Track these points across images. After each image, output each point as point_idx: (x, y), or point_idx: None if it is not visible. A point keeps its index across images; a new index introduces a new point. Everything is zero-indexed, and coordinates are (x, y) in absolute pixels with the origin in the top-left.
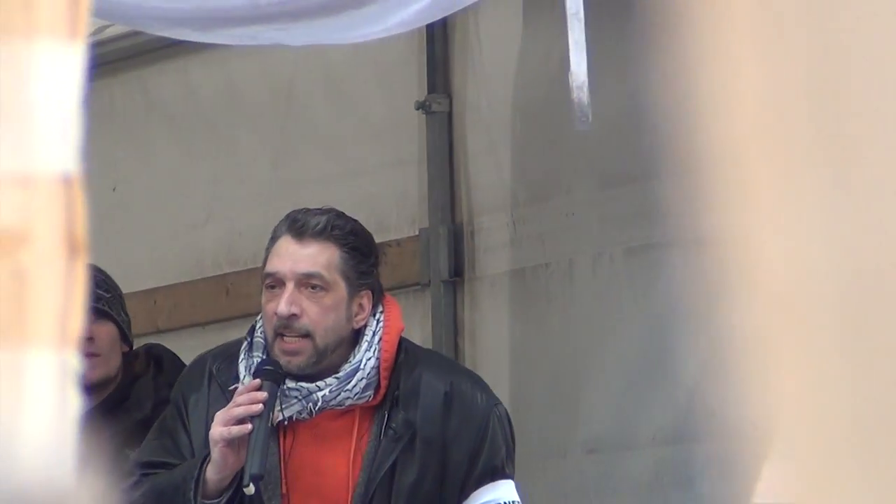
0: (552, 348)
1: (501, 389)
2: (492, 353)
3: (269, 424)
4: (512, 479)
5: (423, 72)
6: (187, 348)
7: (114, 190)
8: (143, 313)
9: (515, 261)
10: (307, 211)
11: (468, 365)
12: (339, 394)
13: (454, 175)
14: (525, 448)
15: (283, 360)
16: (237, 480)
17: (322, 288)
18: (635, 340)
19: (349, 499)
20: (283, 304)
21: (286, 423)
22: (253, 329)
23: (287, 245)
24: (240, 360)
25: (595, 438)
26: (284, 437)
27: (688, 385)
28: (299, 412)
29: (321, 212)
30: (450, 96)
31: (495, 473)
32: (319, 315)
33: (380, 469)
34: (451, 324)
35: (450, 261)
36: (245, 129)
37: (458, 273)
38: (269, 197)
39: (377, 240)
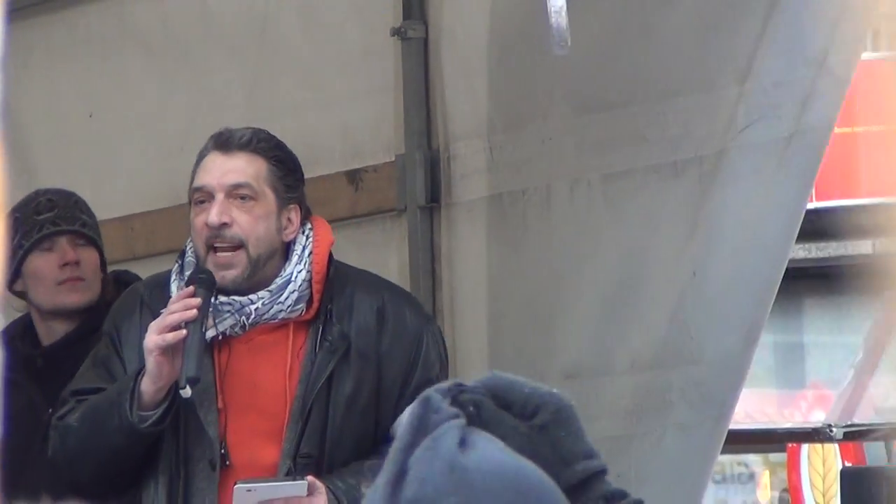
0: (529, 274)
1: (479, 315)
2: (469, 278)
3: (203, 331)
4: None
5: None
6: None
7: (90, 117)
8: (120, 240)
9: (492, 187)
10: (230, 128)
11: (445, 291)
12: (272, 307)
13: (430, 101)
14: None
15: (217, 275)
16: (173, 392)
17: (251, 198)
18: (613, 266)
19: (286, 412)
20: (213, 213)
21: (220, 338)
22: (183, 252)
23: (214, 159)
24: (171, 281)
25: (573, 364)
26: (219, 353)
27: (665, 311)
28: (232, 326)
29: (245, 128)
30: (425, 22)
31: (428, 384)
32: (250, 224)
33: (317, 381)
34: (427, 249)
35: (426, 187)
36: (221, 57)
37: (434, 199)
38: (246, 124)
39: (354, 166)
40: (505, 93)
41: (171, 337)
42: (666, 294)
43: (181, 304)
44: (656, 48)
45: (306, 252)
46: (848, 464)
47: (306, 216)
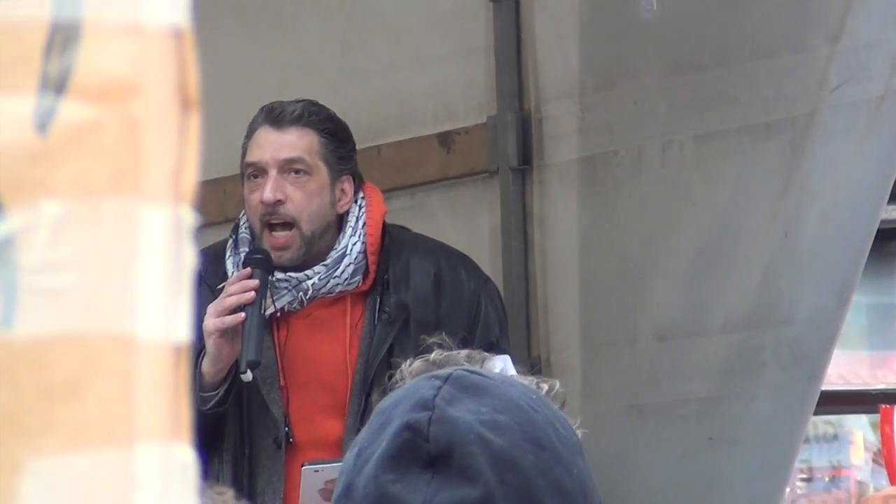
0: (621, 236)
1: (571, 277)
2: (561, 240)
3: (263, 312)
4: (508, 353)
5: None
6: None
7: None
8: (212, 203)
9: (584, 148)
10: (281, 101)
11: (537, 253)
12: (329, 281)
13: (521, 63)
14: (595, 335)
15: (273, 255)
16: (233, 372)
17: (305, 172)
18: (705, 227)
19: (349, 385)
20: (267, 190)
21: (278, 314)
22: (237, 226)
23: (266, 134)
24: (226, 257)
25: (665, 325)
26: (278, 330)
27: (758, 271)
28: (290, 302)
29: (296, 101)
30: None
31: (491, 349)
32: (304, 200)
33: (378, 353)
34: (519, 211)
35: (518, 148)
36: (312, 17)
37: (526, 161)
38: (337, 86)
39: (446, 128)
40: (596, 54)
41: (229, 320)
42: (758, 254)
43: (239, 286)
44: (747, 8)
45: (360, 223)
46: None
47: (359, 185)
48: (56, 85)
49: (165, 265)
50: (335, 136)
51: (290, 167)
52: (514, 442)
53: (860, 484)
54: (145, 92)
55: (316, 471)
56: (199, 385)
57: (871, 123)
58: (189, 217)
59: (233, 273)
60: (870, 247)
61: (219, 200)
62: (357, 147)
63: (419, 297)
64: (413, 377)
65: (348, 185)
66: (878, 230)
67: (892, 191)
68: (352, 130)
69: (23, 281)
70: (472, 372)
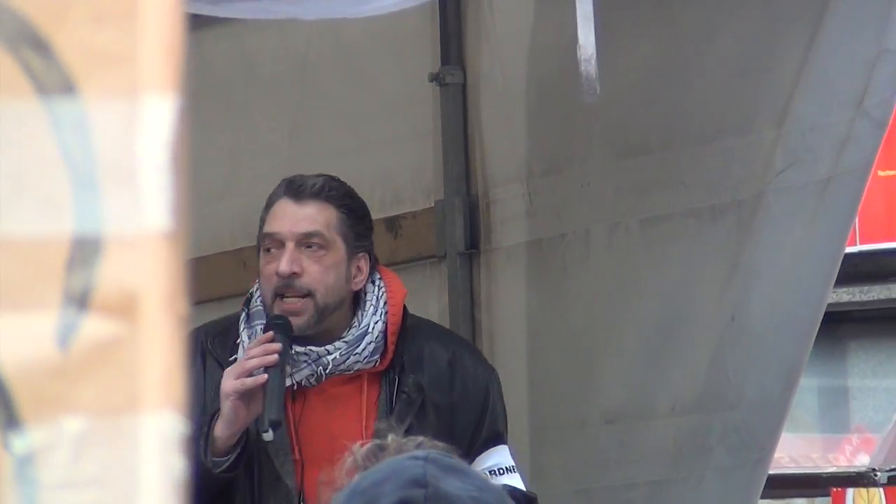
0: (569, 319)
1: (518, 360)
2: (509, 324)
3: (284, 376)
4: (508, 445)
5: (436, 44)
6: (205, 322)
7: None
8: None
9: (531, 232)
10: (302, 175)
11: (485, 337)
12: (349, 357)
13: (469, 146)
14: (543, 418)
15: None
16: (245, 438)
17: (322, 247)
18: (652, 310)
19: None
20: (284, 262)
21: (295, 388)
22: (249, 299)
23: (285, 206)
24: (241, 330)
25: (613, 409)
26: (294, 403)
27: (705, 354)
28: (308, 377)
29: (317, 175)
30: (463, 68)
31: (496, 439)
32: (320, 273)
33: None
34: (467, 295)
35: (466, 232)
36: (261, 102)
37: (474, 245)
38: (286, 170)
39: (393, 212)
40: (543, 137)
41: (249, 382)
42: (705, 338)
43: (261, 350)
44: (694, 92)
45: (381, 302)
46: None
47: (374, 265)
48: (78, 300)
49: (158, 473)
50: (354, 212)
51: (307, 241)
52: None
53: None
54: (145, 302)
55: None
56: (210, 449)
57: (817, 207)
58: (177, 424)
59: (248, 344)
60: (817, 330)
61: None
62: None
63: (434, 379)
64: (363, 459)
65: (364, 263)
66: (830, 313)
67: (842, 274)
68: None
69: (43, 499)
70: (443, 454)
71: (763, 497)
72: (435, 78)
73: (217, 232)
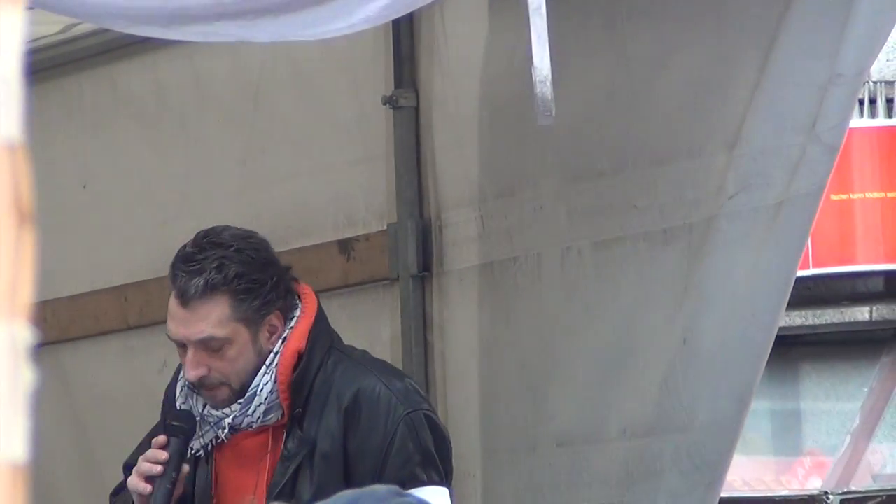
0: (521, 342)
1: (470, 383)
2: (461, 347)
3: (171, 486)
4: (435, 485)
5: (389, 67)
6: (158, 344)
7: (84, 187)
8: (113, 310)
9: (484, 255)
10: (188, 265)
11: (437, 359)
12: (244, 419)
13: (421, 170)
14: (495, 442)
15: (208, 402)
16: None
17: (222, 345)
18: (604, 334)
19: None
20: (189, 371)
21: (209, 447)
22: None
23: (175, 309)
24: (178, 378)
25: (565, 432)
26: (212, 459)
27: (657, 378)
28: (213, 439)
29: (198, 267)
30: (416, 91)
31: (407, 483)
32: (228, 367)
33: (275, 488)
34: (419, 318)
35: (418, 255)
36: (214, 125)
37: (426, 268)
38: (239, 193)
39: (346, 235)
40: (496, 161)
41: (141, 487)
42: (657, 361)
43: (151, 455)
44: (646, 116)
45: (274, 362)
46: None
47: (293, 302)
48: None
49: (3, 383)
50: (249, 290)
51: (205, 344)
52: None
53: None
54: None
55: None
56: None
57: (769, 230)
58: (26, 334)
59: (179, 399)
60: (769, 353)
61: (119, 307)
62: None
63: (327, 430)
64: None
65: (277, 319)
66: (782, 336)
67: (795, 298)
68: None
69: None
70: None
71: None
72: (388, 101)
73: (170, 254)
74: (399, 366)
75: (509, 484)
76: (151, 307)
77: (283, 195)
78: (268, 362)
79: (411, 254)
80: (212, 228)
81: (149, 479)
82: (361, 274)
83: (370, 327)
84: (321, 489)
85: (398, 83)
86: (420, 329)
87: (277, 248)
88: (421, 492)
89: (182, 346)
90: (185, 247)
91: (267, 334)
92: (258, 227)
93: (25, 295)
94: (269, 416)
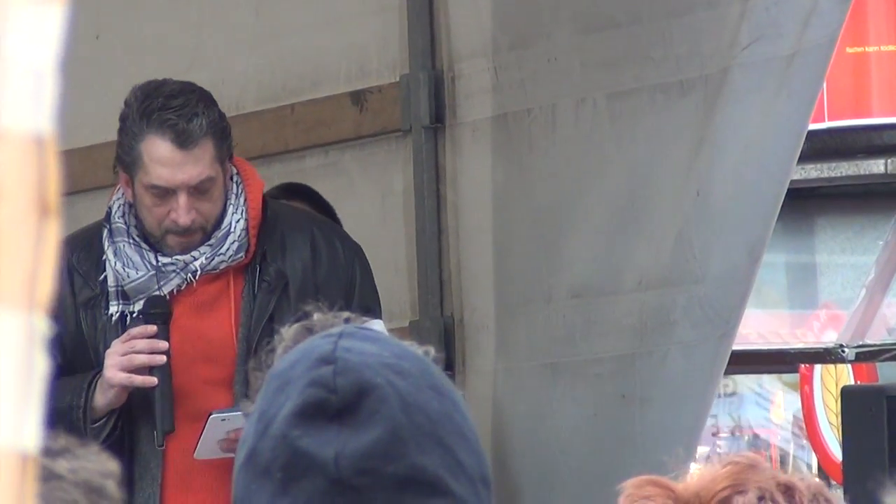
0: (535, 194)
1: (484, 235)
2: (474, 199)
3: (170, 374)
4: (381, 319)
5: None
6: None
7: (97, 38)
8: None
9: (497, 106)
10: (180, 110)
11: (450, 211)
12: (214, 259)
13: (434, 21)
14: (510, 293)
15: (175, 249)
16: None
17: (209, 186)
18: (618, 185)
19: (234, 356)
20: (183, 216)
21: (168, 297)
22: (109, 214)
23: (171, 154)
24: (105, 247)
25: (579, 284)
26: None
27: (670, 229)
28: (179, 285)
29: (191, 110)
30: None
31: (367, 313)
32: (212, 209)
33: (259, 321)
34: (432, 170)
35: (430, 107)
36: None
37: (439, 119)
38: (253, 44)
39: (359, 86)
40: (509, 11)
41: (139, 381)
42: (671, 213)
43: (147, 346)
44: None
45: (241, 200)
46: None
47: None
48: None
49: (16, 372)
50: (224, 131)
51: (200, 187)
52: (418, 387)
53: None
54: (3, 199)
55: (223, 419)
56: (90, 416)
57: (781, 82)
58: (43, 325)
59: (115, 262)
60: (780, 205)
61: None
62: (271, 106)
63: (296, 265)
64: (292, 341)
65: (229, 165)
66: (798, 190)
67: (810, 151)
68: (266, 89)
69: None
70: (361, 328)
71: (732, 373)
72: None
73: None
74: (412, 217)
75: (523, 335)
76: None
77: (295, 47)
78: (234, 202)
79: (424, 105)
80: (161, 80)
81: (147, 370)
82: (374, 125)
83: (383, 179)
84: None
85: None
86: (433, 181)
87: (290, 99)
88: (377, 324)
89: (164, 195)
90: (156, 95)
91: (227, 177)
92: (271, 79)
93: (44, 288)
94: (238, 256)
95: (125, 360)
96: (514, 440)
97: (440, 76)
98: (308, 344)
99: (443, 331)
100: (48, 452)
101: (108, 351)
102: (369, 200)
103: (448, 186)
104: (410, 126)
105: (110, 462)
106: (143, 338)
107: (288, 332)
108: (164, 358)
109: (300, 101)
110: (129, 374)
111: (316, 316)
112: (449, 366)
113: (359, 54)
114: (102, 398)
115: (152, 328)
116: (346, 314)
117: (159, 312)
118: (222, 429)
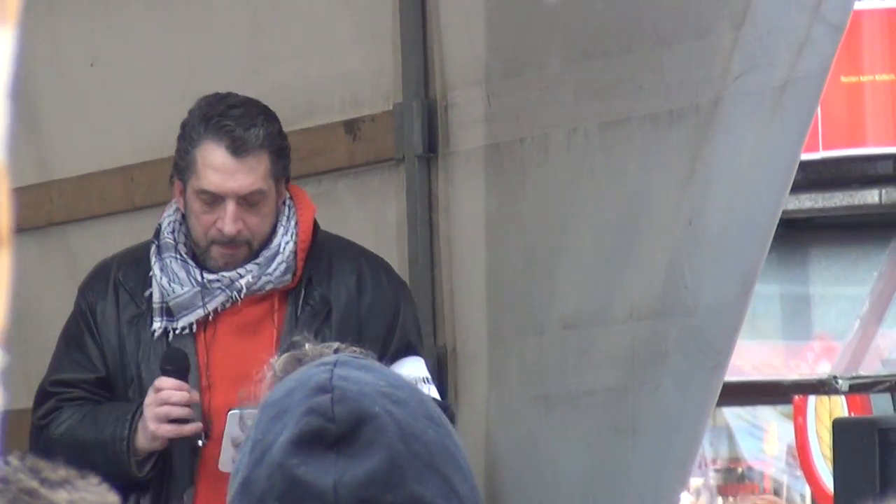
0: (527, 223)
1: (476, 265)
2: (467, 228)
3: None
4: (422, 356)
5: None
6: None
7: (91, 66)
8: (120, 190)
9: (490, 135)
10: (240, 119)
11: (443, 241)
12: (261, 279)
13: (427, 49)
14: (502, 323)
15: (218, 262)
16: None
17: (261, 199)
18: (610, 215)
19: None
20: (228, 224)
21: (210, 315)
22: (159, 231)
23: (225, 161)
24: (152, 263)
25: (571, 314)
26: (205, 330)
27: (662, 260)
28: (223, 303)
29: (250, 120)
30: None
31: (409, 350)
32: (259, 224)
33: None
34: (425, 199)
35: (423, 136)
36: (221, 3)
37: (432, 148)
38: (245, 73)
39: (352, 115)
40: (502, 40)
41: (188, 430)
42: (662, 243)
43: (181, 398)
44: None
45: (292, 223)
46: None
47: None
48: None
49: None
50: (282, 148)
51: (249, 199)
52: (415, 416)
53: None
54: None
55: (241, 416)
56: (132, 448)
57: (774, 111)
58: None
59: (161, 277)
60: (772, 235)
61: (126, 187)
62: None
63: (340, 292)
64: (282, 371)
65: (283, 187)
66: (792, 220)
67: (805, 181)
68: None
69: None
70: (354, 356)
71: (726, 405)
72: None
73: (177, 134)
74: (405, 247)
75: (516, 366)
76: (157, 188)
77: (288, 75)
78: (284, 224)
79: (417, 134)
80: (226, 92)
81: (177, 420)
82: (367, 154)
83: (376, 208)
84: None
85: None
86: (426, 210)
87: (283, 128)
88: (417, 361)
89: (213, 202)
90: (219, 104)
91: (280, 199)
92: None
93: (0, 316)
94: (284, 278)
95: (162, 410)
96: (506, 471)
97: (433, 105)
98: (302, 373)
99: (436, 361)
100: (47, 483)
101: (145, 402)
102: (362, 229)
103: (441, 215)
104: (403, 155)
105: (110, 494)
106: (174, 389)
107: (278, 362)
108: (188, 410)
109: (293, 130)
110: (178, 427)
111: (307, 346)
112: (442, 394)
113: (352, 83)
114: (146, 443)
115: (184, 386)
116: (336, 344)
117: (177, 369)
118: (239, 428)
